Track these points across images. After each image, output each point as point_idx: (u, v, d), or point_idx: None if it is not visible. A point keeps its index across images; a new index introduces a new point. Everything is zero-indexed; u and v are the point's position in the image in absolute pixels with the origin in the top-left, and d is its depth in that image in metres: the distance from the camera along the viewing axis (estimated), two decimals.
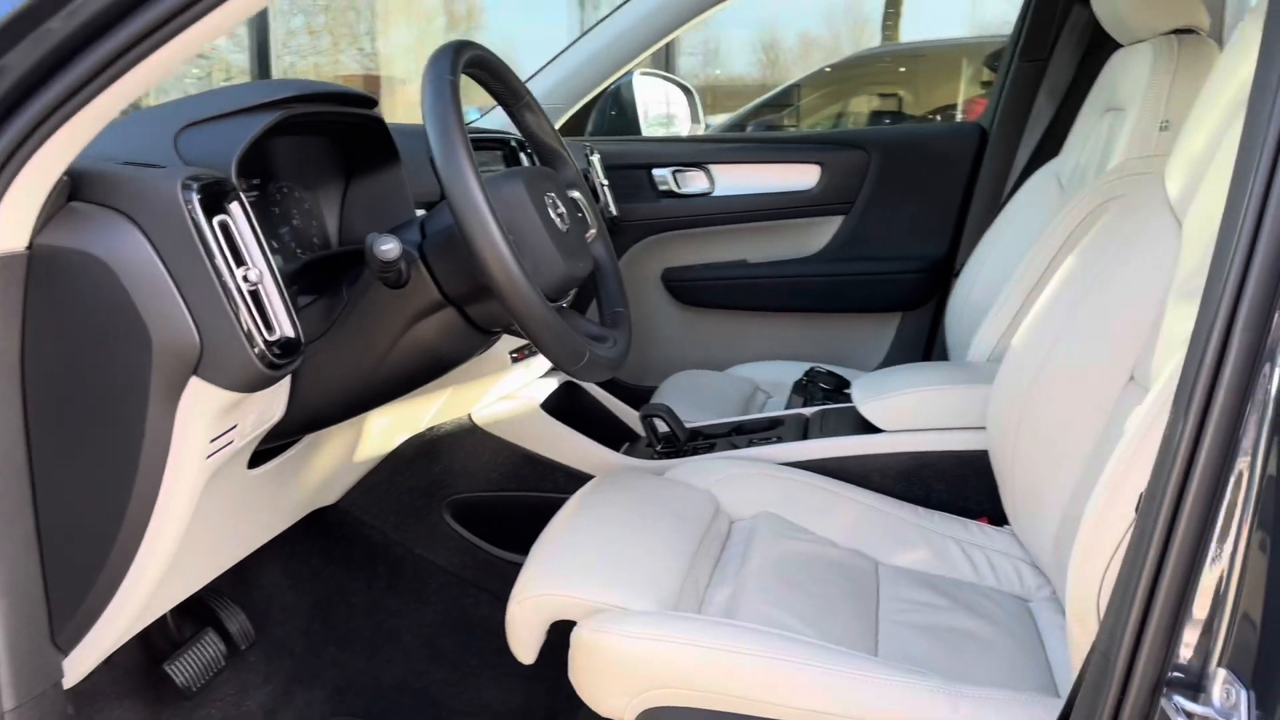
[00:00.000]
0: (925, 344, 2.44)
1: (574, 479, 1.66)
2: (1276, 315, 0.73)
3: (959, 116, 6.04)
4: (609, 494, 1.43)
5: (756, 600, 1.24)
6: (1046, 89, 2.21)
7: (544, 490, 1.68)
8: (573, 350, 1.14)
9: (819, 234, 2.47)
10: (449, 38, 1.23)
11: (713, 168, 2.46)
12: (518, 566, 1.27)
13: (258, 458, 1.25)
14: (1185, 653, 0.77)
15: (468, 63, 1.21)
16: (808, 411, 1.78)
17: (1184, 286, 1.23)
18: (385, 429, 1.55)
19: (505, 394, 1.69)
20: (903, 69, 7.35)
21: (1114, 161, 1.71)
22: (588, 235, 1.37)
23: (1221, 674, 0.75)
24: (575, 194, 1.39)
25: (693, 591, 1.26)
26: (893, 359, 2.46)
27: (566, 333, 1.13)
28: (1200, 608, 0.76)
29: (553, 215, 1.23)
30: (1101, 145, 1.86)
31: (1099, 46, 2.08)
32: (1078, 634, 0.98)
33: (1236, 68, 1.19)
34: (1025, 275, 1.70)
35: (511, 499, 1.69)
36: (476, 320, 1.23)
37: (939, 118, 6.28)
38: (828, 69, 7.52)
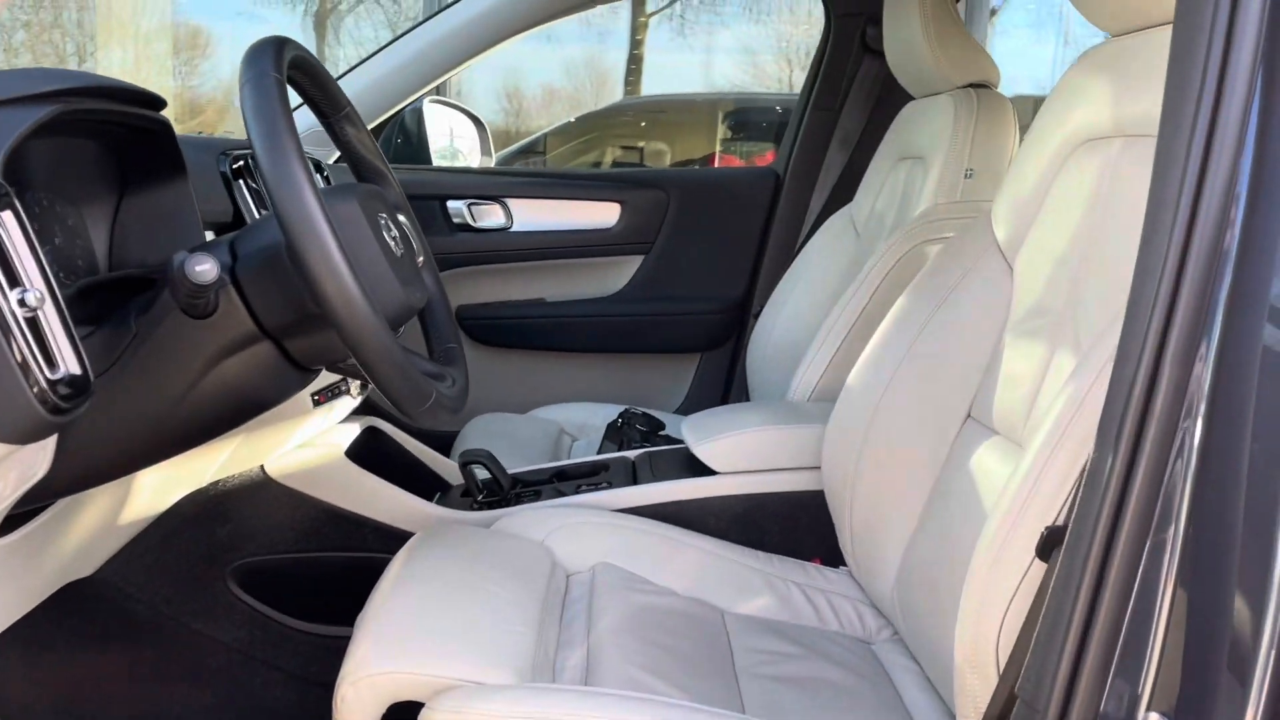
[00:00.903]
0: (724, 384, 2.45)
1: (384, 536, 1.50)
2: (1200, 354, 0.73)
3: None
4: (437, 552, 1.28)
5: (616, 662, 1.14)
6: (839, 137, 2.28)
7: (350, 549, 1.49)
8: (419, 389, 1.00)
9: (619, 273, 2.42)
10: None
11: (511, 202, 2.36)
12: (318, 639, 1.10)
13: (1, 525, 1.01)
14: (1116, 698, 0.74)
15: (289, 63, 1.05)
16: (632, 455, 1.71)
17: (1022, 326, 1.26)
18: (159, 484, 1.33)
19: (303, 441, 1.50)
20: (644, 123, 7.64)
21: (919, 207, 1.77)
22: (418, 262, 1.24)
23: (1154, 717, 0.73)
24: (402, 217, 1.26)
25: (545, 657, 1.14)
26: (693, 399, 2.45)
27: (413, 369, 0.99)
28: (1131, 652, 0.74)
29: (387, 238, 1.09)
30: (899, 192, 1.93)
31: (888, 98, 2.18)
32: (973, 682, 0.95)
33: (1064, 116, 1.24)
34: (843, 316, 1.71)
35: (311, 561, 1.49)
36: (296, 356, 1.07)
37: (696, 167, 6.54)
38: (573, 120, 7.72)
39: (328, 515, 1.48)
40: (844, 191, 2.23)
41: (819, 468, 1.50)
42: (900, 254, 1.67)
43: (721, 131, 7.23)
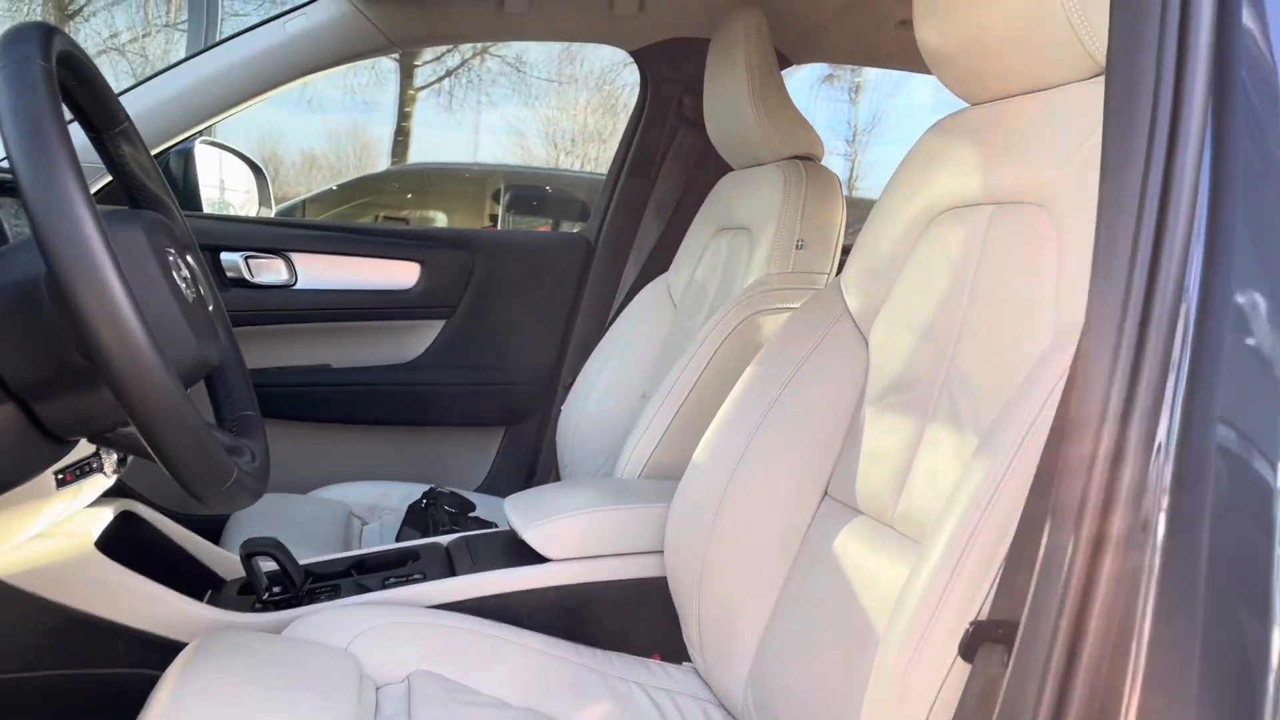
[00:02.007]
0: (531, 460, 2.28)
1: (144, 647, 1.22)
2: (1164, 428, 0.66)
3: None
4: (219, 666, 1.04)
5: None
6: (654, 206, 2.22)
7: (100, 665, 1.20)
8: (218, 467, 0.80)
9: (417, 339, 2.22)
10: None
11: (295, 257, 2.12)
12: None
13: None
14: None
15: (56, 57, 0.83)
16: (445, 540, 1.51)
17: (884, 400, 1.20)
18: None
19: (41, 531, 1.21)
20: (410, 194, 7.59)
21: (747, 277, 1.71)
22: (209, 310, 1.02)
23: None
24: (190, 257, 1.04)
25: None
26: (496, 476, 2.27)
27: (212, 441, 0.78)
28: None
29: (178, 279, 0.88)
30: (721, 262, 1.88)
31: (704, 168, 2.14)
32: None
33: (923, 183, 1.20)
34: (675, 389, 1.61)
35: (50, 681, 1.19)
36: (48, 423, 0.83)
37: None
38: (335, 186, 7.58)
39: (71, 622, 1.19)
40: (659, 260, 2.16)
41: (661, 552, 1.37)
42: (734, 324, 1.60)
43: (490, 206, 7.21)
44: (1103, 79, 0.97)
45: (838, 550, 1.16)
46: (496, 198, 7.06)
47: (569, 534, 1.38)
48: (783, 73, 1.84)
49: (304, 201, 6.88)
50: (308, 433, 2.16)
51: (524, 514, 1.41)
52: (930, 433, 1.09)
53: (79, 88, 0.93)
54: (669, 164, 2.20)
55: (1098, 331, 0.72)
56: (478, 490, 2.23)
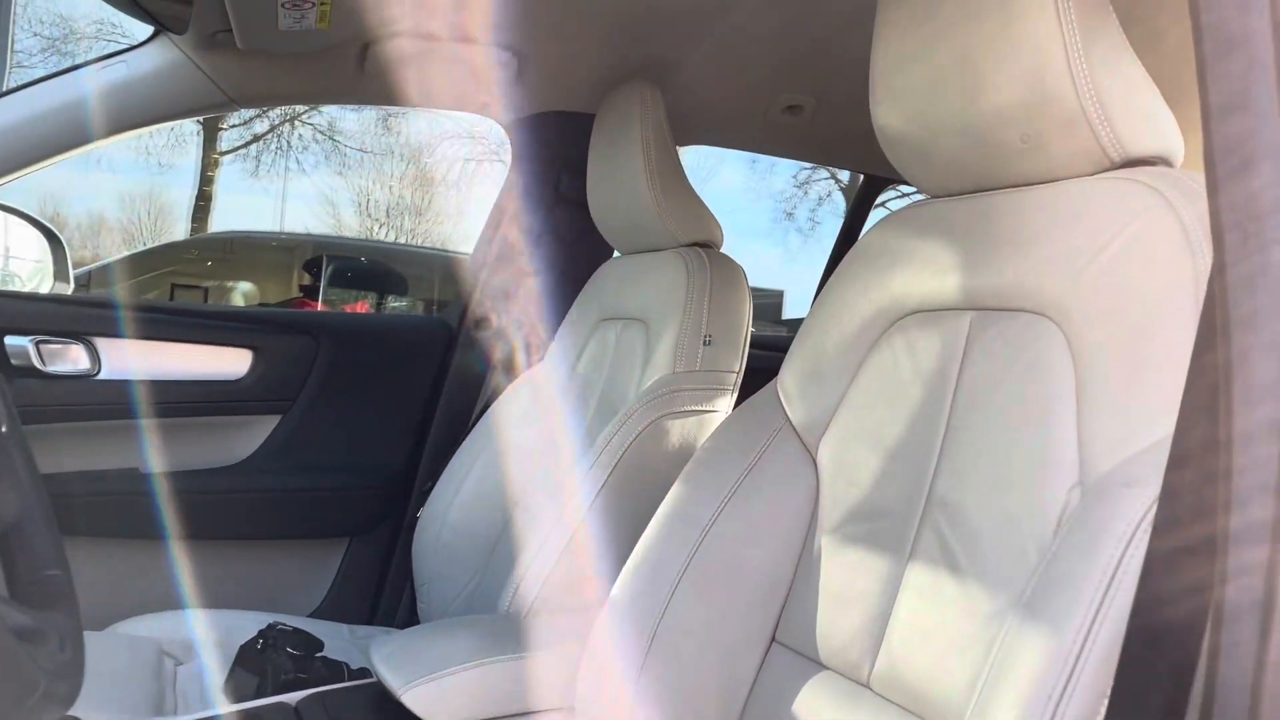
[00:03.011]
0: (379, 578, 2.00)
1: None
2: None
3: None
4: None
5: None
6: (526, 290, 2.02)
7: None
8: (19, 679, 0.54)
9: (247, 438, 1.92)
10: None
11: (99, 341, 1.79)
12: None
13: None
14: None
15: None
16: (293, 699, 1.23)
17: (843, 530, 1.04)
18: None
19: None
20: (210, 262, 7.24)
21: (647, 374, 1.53)
22: None
23: None
24: None
25: None
26: (338, 597, 1.97)
27: (8, 642, 0.53)
28: None
29: None
30: (609, 356, 1.70)
31: (582, 249, 1.96)
32: None
33: (879, 281, 1.07)
34: (570, 504, 1.40)
35: None
36: None
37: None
38: (129, 254, 7.15)
39: None
40: (531, 349, 1.95)
41: (572, 708, 1.15)
42: (639, 429, 1.42)
43: (299, 276, 6.88)
44: (1116, 174, 0.86)
45: (799, 714, 0.98)
46: (307, 268, 6.70)
47: (459, 694, 1.13)
48: None
49: (90, 270, 6.36)
50: (108, 552, 1.80)
51: (400, 669, 1.16)
52: (913, 575, 0.93)
53: None
54: (544, 245, 2.01)
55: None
56: (314, 614, 1.93)
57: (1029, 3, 0.85)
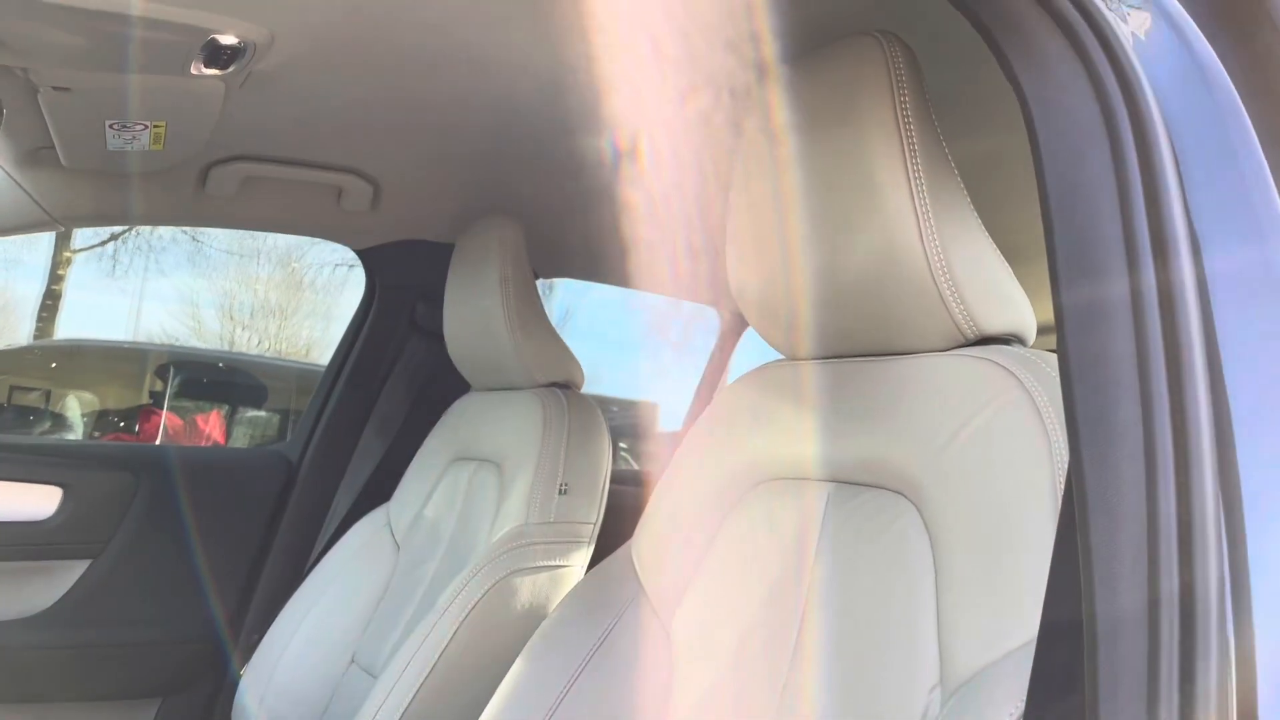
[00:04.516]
0: None
1: None
2: None
3: (137, 428, 5.61)
4: None
5: None
6: (376, 423, 1.91)
7: None
8: None
9: (51, 585, 1.72)
10: None
11: None
12: None
13: None
14: None
15: None
16: None
17: (698, 713, 0.96)
18: None
19: None
20: (54, 364, 6.84)
21: (498, 523, 1.44)
22: None
23: None
24: None
25: None
26: None
27: None
28: None
29: None
30: (460, 499, 1.60)
31: (439, 383, 1.88)
32: None
33: (739, 443, 1.02)
34: (412, 664, 1.28)
35: None
36: None
37: (121, 422, 5.83)
38: None
39: None
40: (378, 488, 1.83)
41: None
42: (487, 586, 1.32)
43: (152, 383, 6.53)
44: (971, 353, 0.84)
45: None
46: (159, 374, 6.35)
47: None
48: None
49: None
50: None
51: None
52: None
53: None
54: (396, 376, 1.92)
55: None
56: None
57: (884, 177, 0.83)
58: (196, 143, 1.46)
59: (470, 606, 1.31)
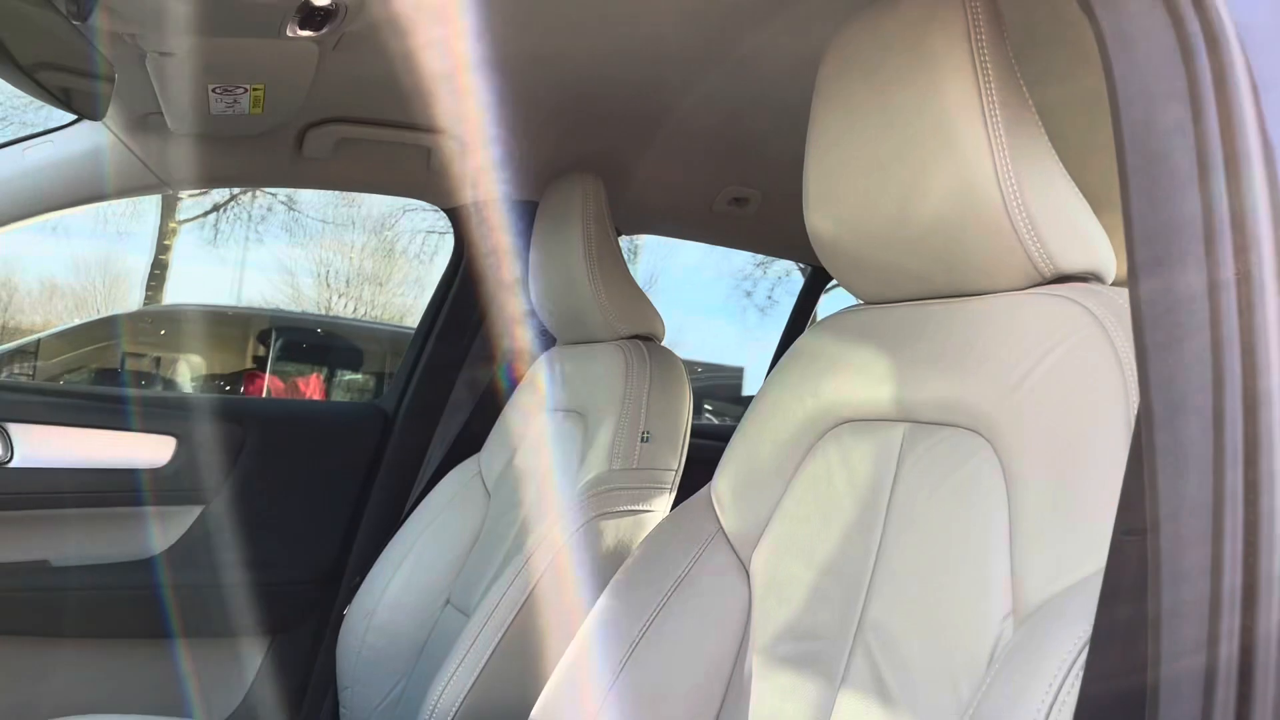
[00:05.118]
0: (302, 680, 1.90)
1: None
2: None
3: (243, 389, 5.84)
4: None
5: None
6: (466, 378, 1.97)
7: None
8: None
9: (167, 529, 1.83)
10: None
11: (13, 428, 1.71)
12: None
13: None
14: None
15: None
16: None
17: (775, 650, 0.99)
18: None
19: None
20: (163, 331, 7.12)
21: (584, 470, 1.49)
22: None
23: None
24: None
25: None
26: (256, 698, 1.87)
27: None
28: None
29: None
30: (547, 448, 1.65)
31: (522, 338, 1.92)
32: None
33: (813, 386, 1.03)
34: (498, 609, 1.34)
35: None
36: None
37: (227, 385, 6.07)
38: (80, 323, 7.01)
39: None
40: (471, 439, 1.89)
41: None
42: (572, 531, 1.36)
43: (255, 348, 6.78)
44: (1047, 290, 0.85)
45: None
46: (262, 339, 6.60)
47: None
48: None
49: (40, 338, 6.22)
50: (15, 651, 1.70)
51: None
52: (845, 702, 0.88)
53: None
54: (485, 331, 1.97)
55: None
56: (232, 718, 1.83)
57: (958, 114, 0.83)
58: (293, 105, 1.52)
59: (557, 549, 1.36)
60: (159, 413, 1.85)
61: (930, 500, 0.87)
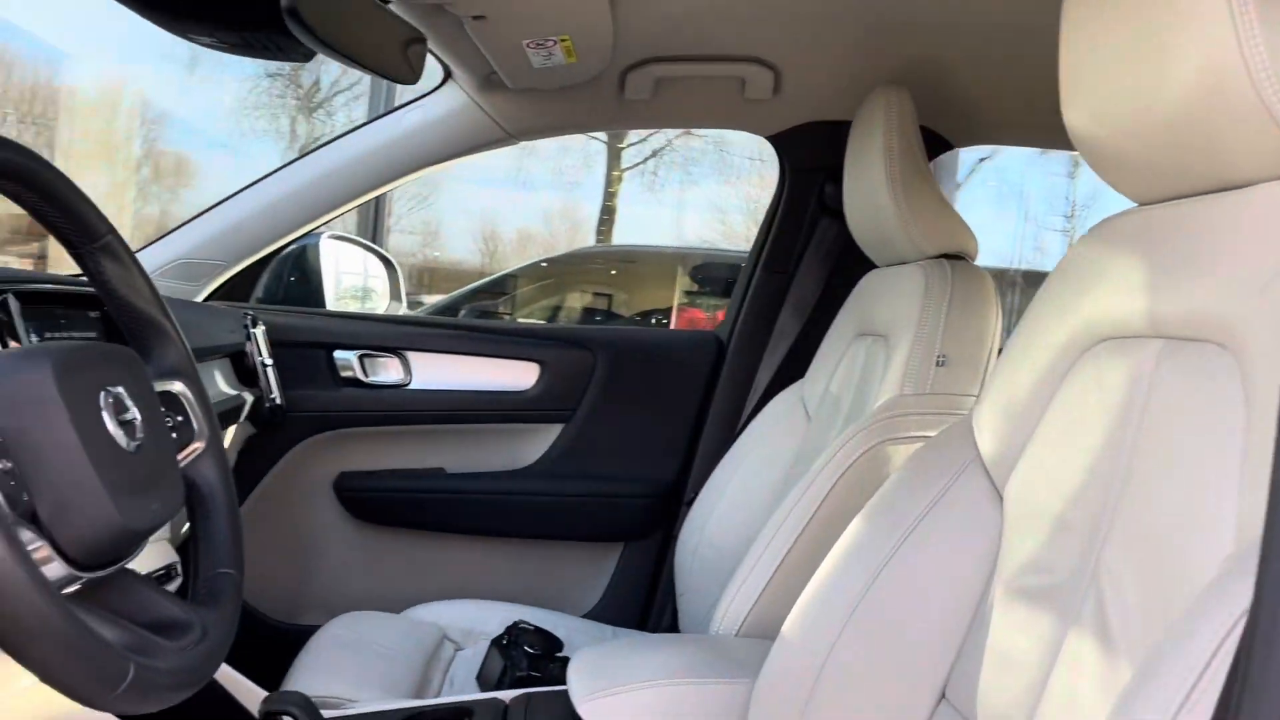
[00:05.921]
0: (649, 582, 2.07)
1: None
2: None
3: (673, 323, 6.20)
4: None
5: None
6: (791, 304, 2.00)
7: None
8: (102, 669, 0.64)
9: (534, 444, 2.08)
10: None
11: (411, 355, 2.03)
12: None
13: None
14: None
15: None
16: (506, 696, 1.33)
17: (1017, 582, 0.92)
18: None
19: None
20: (614, 270, 7.71)
21: (881, 395, 1.45)
22: (184, 455, 0.89)
23: None
24: (177, 385, 0.91)
25: None
26: (611, 598, 2.07)
27: (88, 643, 0.63)
28: None
29: (110, 426, 0.75)
30: (858, 373, 1.63)
31: (848, 263, 1.90)
32: None
33: (1073, 303, 0.93)
34: (783, 528, 1.37)
35: None
36: None
37: (656, 320, 6.48)
38: (544, 263, 7.81)
39: None
40: (796, 364, 1.92)
41: None
42: (855, 455, 1.35)
43: (684, 283, 7.19)
44: None
45: None
46: (693, 276, 7.01)
47: (633, 711, 1.16)
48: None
49: (514, 274, 7.05)
50: (412, 542, 2.04)
51: (586, 679, 1.20)
52: (1072, 643, 0.81)
53: (39, 201, 0.82)
54: (809, 258, 1.97)
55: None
56: (590, 615, 2.04)
57: None
58: (604, 51, 1.62)
59: (840, 473, 1.35)
60: (525, 341, 2.09)
61: (1176, 428, 0.76)
